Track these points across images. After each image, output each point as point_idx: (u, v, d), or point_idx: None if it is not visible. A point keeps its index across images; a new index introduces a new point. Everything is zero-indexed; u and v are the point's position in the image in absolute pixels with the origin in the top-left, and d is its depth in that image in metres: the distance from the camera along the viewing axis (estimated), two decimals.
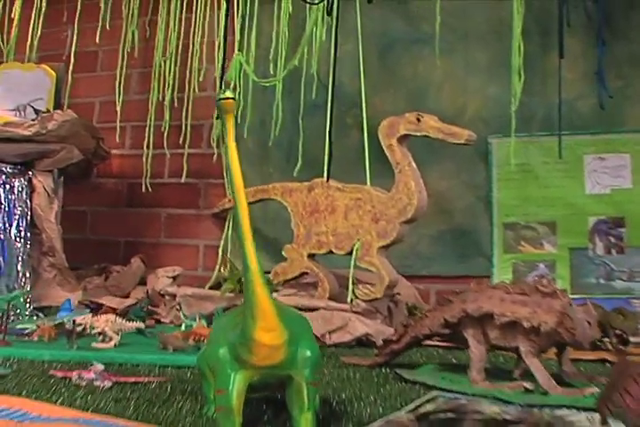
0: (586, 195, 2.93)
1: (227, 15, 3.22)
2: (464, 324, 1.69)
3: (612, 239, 2.89)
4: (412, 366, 1.85)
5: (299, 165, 3.03)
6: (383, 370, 1.84)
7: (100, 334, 1.99)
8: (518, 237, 2.98)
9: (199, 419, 1.26)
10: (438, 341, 2.33)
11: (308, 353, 1.17)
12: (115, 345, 1.97)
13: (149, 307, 2.65)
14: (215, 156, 3.32)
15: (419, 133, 2.47)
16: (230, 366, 1.14)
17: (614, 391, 0.57)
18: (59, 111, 3.03)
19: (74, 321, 1.96)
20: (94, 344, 1.96)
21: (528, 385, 1.56)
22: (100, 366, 1.55)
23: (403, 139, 2.52)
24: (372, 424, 1.23)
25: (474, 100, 3.08)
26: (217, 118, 3.21)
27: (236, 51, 3.18)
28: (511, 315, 1.62)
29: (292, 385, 1.16)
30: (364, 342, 2.31)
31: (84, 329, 1.98)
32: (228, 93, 1.20)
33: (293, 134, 3.21)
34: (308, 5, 3.13)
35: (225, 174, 3.29)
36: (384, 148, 2.53)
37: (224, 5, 3.22)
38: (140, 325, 2.10)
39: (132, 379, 1.57)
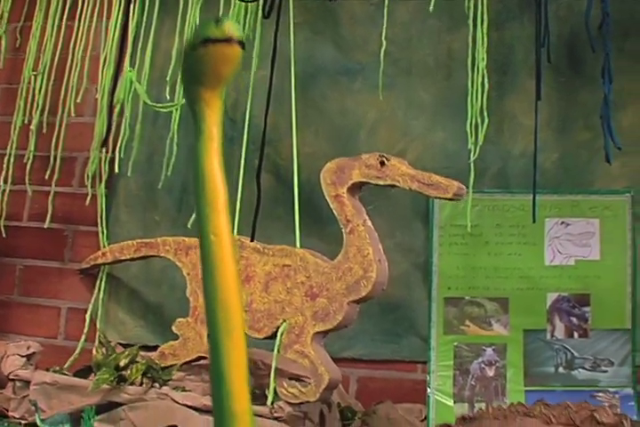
0: (545, 266, 2.42)
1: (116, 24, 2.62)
2: None
3: (575, 320, 2.39)
4: None
5: (193, 217, 2.41)
6: None
7: None
8: (462, 314, 2.43)
9: None
10: None
11: None
12: None
13: None
14: (89, 197, 2.64)
15: (382, 182, 1.88)
16: None
17: None
18: None
19: None
20: None
21: None
22: None
23: (355, 188, 1.94)
24: None
25: (415, 147, 2.53)
26: (99, 152, 2.55)
27: (127, 67, 2.57)
28: None
29: None
30: None
31: None
32: (233, 28, 0.64)
33: (187, 176, 2.60)
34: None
35: (99, 219, 2.65)
36: (328, 199, 1.93)
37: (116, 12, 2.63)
38: None
39: None
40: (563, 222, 2.45)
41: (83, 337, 2.55)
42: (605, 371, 2.36)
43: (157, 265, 2.53)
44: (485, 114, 2.25)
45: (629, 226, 2.42)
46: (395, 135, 2.55)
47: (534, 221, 2.22)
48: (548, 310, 2.41)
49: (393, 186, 1.89)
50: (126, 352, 2.02)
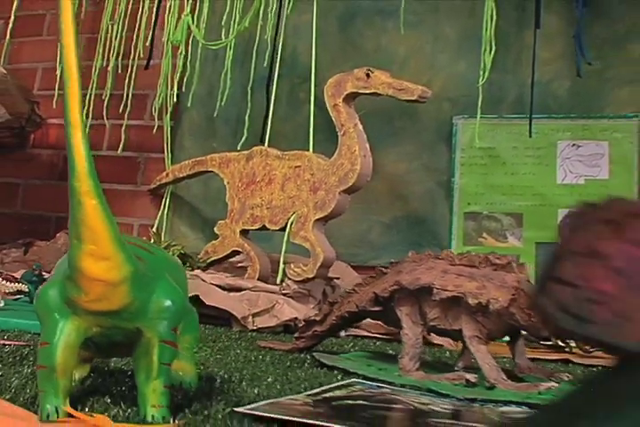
0: (557, 185, 2.67)
1: None
2: (397, 300, 1.41)
3: None
4: (337, 353, 1.58)
5: (244, 139, 2.76)
6: (303, 355, 1.56)
7: None
8: (480, 227, 2.72)
9: None
10: (379, 333, 2.07)
11: (167, 303, 0.89)
12: None
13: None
14: (155, 128, 3.03)
15: (367, 91, 2.19)
16: (59, 312, 0.86)
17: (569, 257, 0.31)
18: None
19: None
20: None
21: (471, 377, 1.27)
22: None
23: (350, 98, 2.25)
24: (250, 405, 0.97)
25: (440, 78, 2.81)
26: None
27: (186, 12, 2.92)
28: (454, 289, 1.33)
29: (140, 344, 0.89)
30: (291, 329, 2.03)
31: None
32: None
33: (242, 108, 2.94)
34: None
35: (165, 146, 3.03)
36: (329, 109, 2.26)
37: None
38: (23, 287, 1.81)
39: None
40: (574, 144, 2.68)
41: None
42: None
43: (214, 185, 2.88)
44: (493, 43, 2.50)
45: (636, 147, 2.64)
46: (422, 68, 2.83)
47: (530, 136, 2.48)
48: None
49: (377, 94, 2.18)
50: (167, 243, 2.37)
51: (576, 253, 0.30)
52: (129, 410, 0.88)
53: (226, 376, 1.19)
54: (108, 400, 0.93)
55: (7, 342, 1.31)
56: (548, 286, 0.31)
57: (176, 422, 0.84)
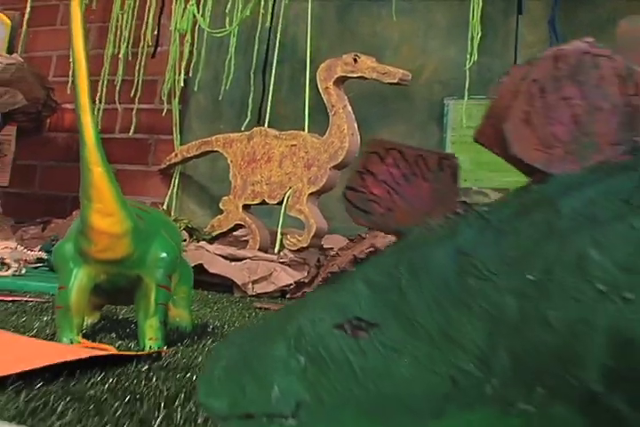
0: None
1: None
2: None
3: None
4: None
5: (247, 120, 2.94)
6: None
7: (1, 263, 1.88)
8: (469, 201, 2.87)
9: None
10: None
11: (162, 254, 1.07)
12: (13, 274, 1.86)
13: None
14: (164, 111, 3.21)
15: (355, 75, 2.38)
16: (73, 261, 1.05)
17: (356, 174, 0.50)
18: (3, 54, 2.93)
19: None
20: None
21: None
22: None
23: (340, 81, 2.43)
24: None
25: (432, 62, 2.98)
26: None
27: (191, 1, 3.09)
28: None
29: (140, 288, 1.07)
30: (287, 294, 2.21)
31: None
32: None
33: (245, 91, 3.12)
34: None
35: (174, 128, 3.22)
36: (321, 92, 2.44)
37: None
38: (43, 255, 2.00)
39: (10, 298, 1.48)
40: None
41: None
42: None
43: (220, 164, 3.05)
44: (479, 28, 2.67)
45: None
46: (415, 53, 3.00)
47: None
48: None
49: (363, 77, 2.35)
50: (174, 217, 2.56)
51: (360, 172, 0.48)
52: (130, 343, 1.07)
53: (218, 325, 1.37)
54: (114, 336, 1.11)
55: (29, 300, 1.50)
56: (347, 193, 0.49)
57: (169, 350, 1.02)
